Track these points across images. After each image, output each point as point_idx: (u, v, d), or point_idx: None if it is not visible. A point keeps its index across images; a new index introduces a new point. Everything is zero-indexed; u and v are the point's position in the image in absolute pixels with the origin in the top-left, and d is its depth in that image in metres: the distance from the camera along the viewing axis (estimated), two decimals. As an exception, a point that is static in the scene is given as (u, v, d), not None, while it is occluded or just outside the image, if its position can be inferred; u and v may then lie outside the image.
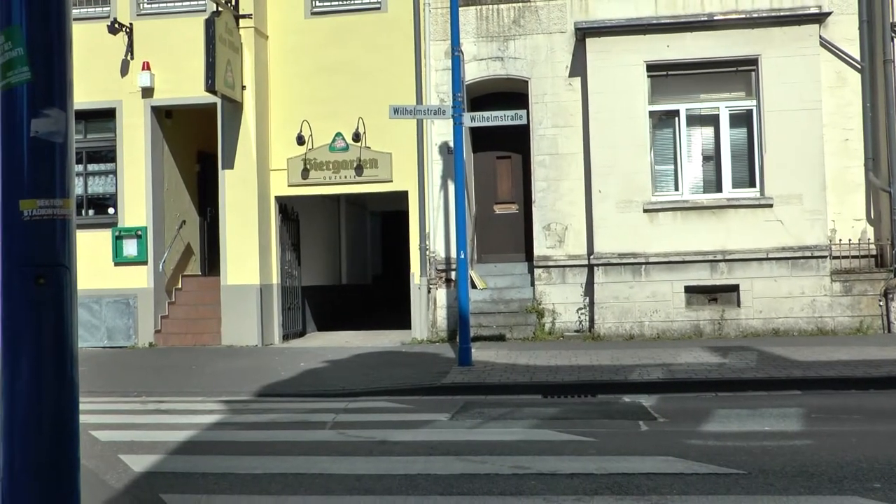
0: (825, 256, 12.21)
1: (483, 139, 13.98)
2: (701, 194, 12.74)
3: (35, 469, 2.42)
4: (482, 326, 12.71)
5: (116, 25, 13.44)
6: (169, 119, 14.23)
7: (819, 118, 12.27)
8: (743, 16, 12.49)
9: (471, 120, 10.82)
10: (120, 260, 13.68)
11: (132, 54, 13.66)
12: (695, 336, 12.23)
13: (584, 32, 12.77)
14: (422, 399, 8.47)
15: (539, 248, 13.12)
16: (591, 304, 12.77)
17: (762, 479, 4.90)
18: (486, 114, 10.98)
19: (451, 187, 13.17)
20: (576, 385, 8.66)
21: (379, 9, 13.64)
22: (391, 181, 13.43)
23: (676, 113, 12.80)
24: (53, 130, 2.47)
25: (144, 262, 13.67)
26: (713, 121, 12.78)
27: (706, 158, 12.89)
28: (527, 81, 13.27)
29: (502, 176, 14.17)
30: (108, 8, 13.79)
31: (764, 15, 12.47)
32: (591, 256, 12.71)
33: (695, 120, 12.87)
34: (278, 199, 13.84)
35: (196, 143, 15.24)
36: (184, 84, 13.34)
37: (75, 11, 13.12)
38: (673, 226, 12.47)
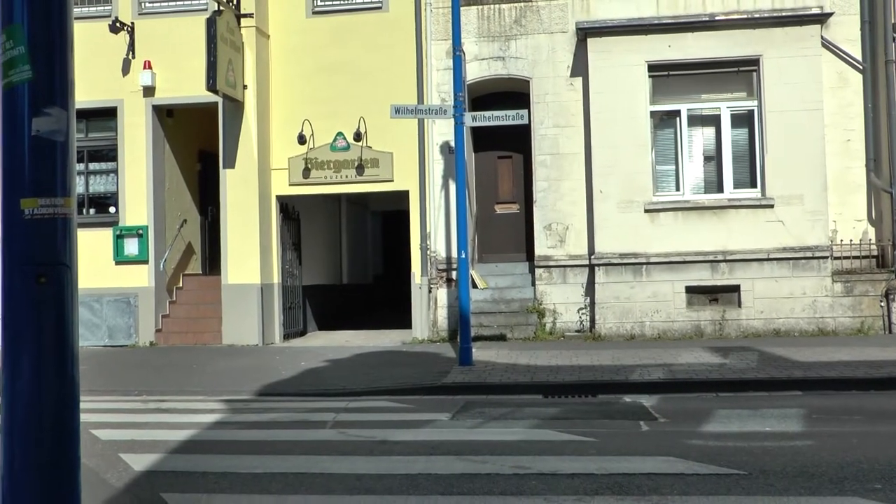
0: (826, 257, 12.21)
1: (484, 139, 13.98)
2: (702, 194, 12.74)
3: (35, 468, 2.42)
4: (483, 326, 12.71)
5: (118, 24, 13.44)
6: (170, 118, 14.24)
7: (820, 119, 12.27)
8: (744, 16, 12.48)
9: (472, 119, 10.82)
10: (121, 259, 13.69)
11: (133, 53, 13.67)
12: (696, 336, 12.22)
13: (586, 32, 12.76)
14: (422, 399, 8.47)
15: (540, 248, 13.11)
16: (592, 304, 12.77)
17: (763, 479, 4.90)
18: (487, 113, 10.98)
19: (452, 187, 13.18)
20: (576, 385, 8.66)
21: (380, 8, 13.64)
22: (392, 181, 13.43)
23: (678, 113, 12.80)
24: (55, 129, 2.46)
25: (145, 261, 13.67)
26: (714, 121, 12.77)
27: (707, 159, 12.88)
28: (528, 81, 13.26)
29: (503, 176, 14.17)
30: (110, 7, 13.79)
31: (766, 15, 12.46)
32: (592, 256, 12.71)
33: (696, 120, 12.87)
34: (279, 198, 13.84)
35: (197, 142, 15.24)
36: (185, 83, 13.35)
37: (77, 10, 13.14)
38: (674, 226, 12.47)
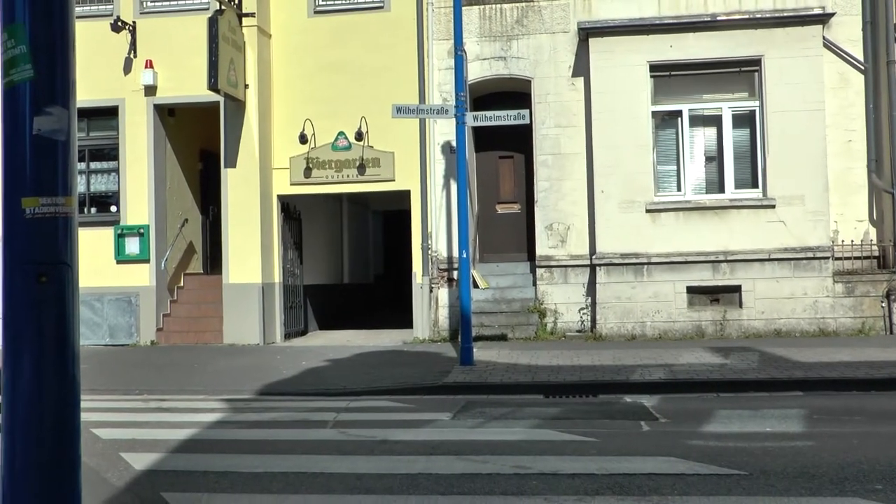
0: (827, 257, 12.20)
1: (486, 139, 13.98)
2: (703, 195, 12.73)
3: (36, 467, 2.42)
4: (484, 326, 12.71)
5: (119, 23, 13.45)
6: (172, 117, 14.25)
7: (822, 119, 12.26)
8: (746, 16, 12.48)
9: (473, 119, 10.82)
10: (122, 258, 13.70)
11: (135, 52, 13.68)
12: (697, 336, 12.22)
13: (588, 32, 12.76)
14: (423, 398, 8.47)
15: (541, 248, 13.11)
16: (593, 304, 12.77)
17: (763, 480, 4.90)
18: (488, 113, 10.98)
19: (454, 187, 13.18)
20: (577, 385, 8.65)
21: (382, 8, 13.64)
22: (393, 180, 13.43)
23: (679, 113, 12.79)
24: (56, 128, 2.46)
25: (146, 261, 13.68)
26: (716, 121, 12.76)
27: (709, 159, 12.88)
28: (530, 81, 13.26)
29: (505, 176, 14.17)
30: (112, 6, 13.81)
31: (767, 15, 12.46)
32: (594, 256, 12.71)
33: (697, 120, 12.86)
34: (280, 197, 13.84)
35: (199, 141, 15.25)
36: (186, 82, 13.36)
37: (78, 9, 13.13)
38: (675, 226, 12.46)
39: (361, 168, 13.43)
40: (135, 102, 13.71)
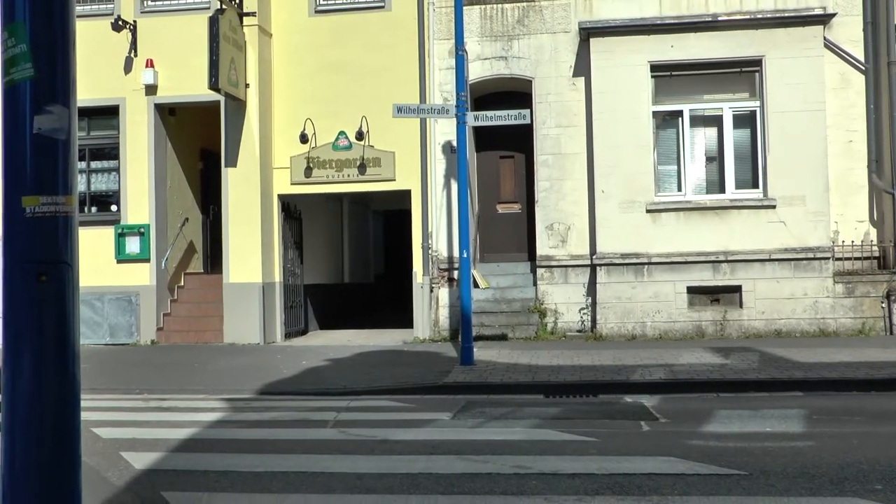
0: (828, 258, 12.20)
1: (486, 138, 13.98)
2: (704, 195, 12.73)
3: (36, 466, 2.42)
4: (484, 326, 12.71)
5: (120, 23, 13.46)
6: (172, 116, 14.25)
7: (823, 119, 12.25)
8: (747, 17, 12.47)
9: (474, 119, 10.82)
10: (122, 257, 13.70)
11: (136, 51, 13.68)
12: (697, 337, 12.22)
13: (589, 32, 12.76)
14: (424, 398, 8.47)
15: (542, 248, 13.11)
16: (594, 304, 12.77)
17: (763, 480, 4.90)
18: (489, 113, 10.97)
19: (454, 186, 13.18)
20: (577, 385, 8.65)
21: (383, 7, 13.64)
22: (394, 180, 13.43)
23: (680, 113, 12.79)
24: (56, 127, 2.47)
25: (147, 260, 13.69)
26: (716, 121, 12.76)
27: (709, 159, 12.87)
28: (530, 81, 13.26)
29: (505, 175, 14.17)
30: (112, 5, 13.81)
31: (768, 16, 12.45)
32: (594, 256, 12.70)
33: (698, 120, 12.85)
34: (281, 197, 13.84)
35: (199, 140, 15.26)
36: (187, 82, 13.36)
37: (79, 8, 13.13)
38: (676, 226, 12.46)
39: (362, 168, 13.43)
40: (135, 102, 13.71)
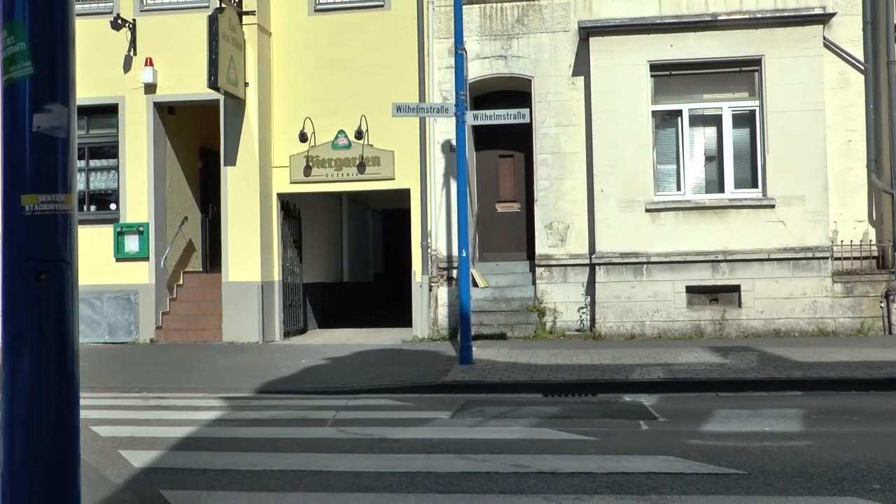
0: (827, 257, 12.20)
1: (485, 138, 13.98)
2: (703, 194, 12.73)
3: (36, 464, 2.42)
4: (483, 325, 12.71)
5: (119, 21, 13.45)
6: (171, 115, 14.24)
7: (822, 119, 12.26)
8: (747, 16, 12.47)
9: (474, 118, 10.82)
10: (121, 256, 13.70)
11: (135, 50, 13.67)
12: (696, 336, 12.22)
13: (588, 31, 12.76)
14: (422, 397, 8.47)
15: (541, 247, 13.11)
16: (593, 303, 12.77)
17: (762, 479, 4.90)
18: (489, 112, 10.98)
19: (454, 185, 13.18)
20: (576, 384, 8.66)
21: (382, 6, 13.63)
22: (393, 179, 13.43)
23: (679, 113, 12.79)
24: (56, 126, 2.47)
25: (146, 258, 13.68)
26: (716, 121, 12.76)
27: (708, 158, 12.87)
28: (530, 80, 13.26)
29: (504, 174, 14.17)
30: (112, 4, 13.80)
31: (768, 15, 12.45)
32: (593, 256, 12.71)
33: (697, 120, 12.86)
34: (280, 196, 13.84)
35: (198, 139, 15.25)
36: (186, 80, 13.36)
37: (78, 7, 13.13)
38: (675, 226, 12.46)
39: (361, 167, 13.43)
40: (134, 100, 13.71)
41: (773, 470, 5.09)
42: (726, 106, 12.68)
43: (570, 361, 10.03)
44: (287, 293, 14.12)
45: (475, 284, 12.99)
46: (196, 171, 15.35)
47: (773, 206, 12.24)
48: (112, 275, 13.65)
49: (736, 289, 12.36)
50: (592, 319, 12.75)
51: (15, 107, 2.45)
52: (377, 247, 22.72)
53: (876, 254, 12.60)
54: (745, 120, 12.69)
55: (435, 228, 13.42)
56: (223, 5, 12.39)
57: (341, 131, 13.45)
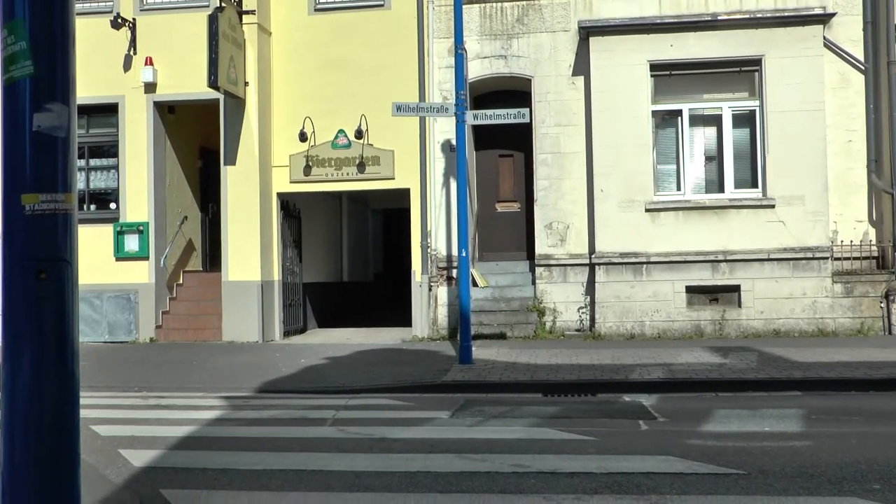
0: (827, 258, 12.20)
1: (485, 137, 13.98)
2: (703, 194, 12.73)
3: (35, 463, 2.42)
4: (483, 325, 12.71)
5: (119, 20, 13.45)
6: (171, 115, 14.24)
7: (822, 119, 12.26)
8: (747, 16, 12.47)
9: (473, 118, 10.82)
10: (121, 255, 13.70)
11: (135, 49, 13.67)
12: (695, 336, 12.22)
13: (588, 31, 12.76)
14: (422, 397, 8.47)
15: (540, 247, 13.11)
16: (593, 303, 12.77)
17: (762, 479, 4.90)
18: (488, 112, 10.98)
19: (454, 185, 13.17)
20: (576, 384, 8.65)
21: (382, 6, 13.63)
22: (393, 178, 13.43)
23: (679, 113, 12.79)
24: (56, 125, 2.47)
25: (146, 258, 13.68)
26: (716, 121, 12.76)
27: (708, 158, 12.87)
28: (530, 80, 13.26)
29: (504, 174, 14.17)
30: (112, 3, 13.80)
31: (768, 15, 12.45)
32: (593, 256, 12.71)
33: (697, 120, 12.86)
34: (280, 195, 13.84)
35: (198, 139, 15.25)
36: (186, 80, 13.35)
37: (78, 6, 13.13)
38: (675, 226, 12.46)
39: (361, 166, 13.43)
40: (134, 99, 13.71)
41: (772, 470, 5.09)
42: (726, 106, 12.67)
43: (569, 361, 10.03)
44: (287, 293, 14.13)
45: (475, 284, 12.99)
46: (196, 171, 15.35)
47: (773, 206, 12.24)
48: (112, 274, 13.65)
49: (736, 289, 12.36)
50: (592, 319, 12.75)
51: (15, 106, 2.45)
52: (377, 246, 22.72)
53: (876, 254, 12.60)
54: (745, 120, 12.69)
55: (435, 228, 13.42)
56: (223, 4, 12.39)
57: (341, 131, 13.45)
